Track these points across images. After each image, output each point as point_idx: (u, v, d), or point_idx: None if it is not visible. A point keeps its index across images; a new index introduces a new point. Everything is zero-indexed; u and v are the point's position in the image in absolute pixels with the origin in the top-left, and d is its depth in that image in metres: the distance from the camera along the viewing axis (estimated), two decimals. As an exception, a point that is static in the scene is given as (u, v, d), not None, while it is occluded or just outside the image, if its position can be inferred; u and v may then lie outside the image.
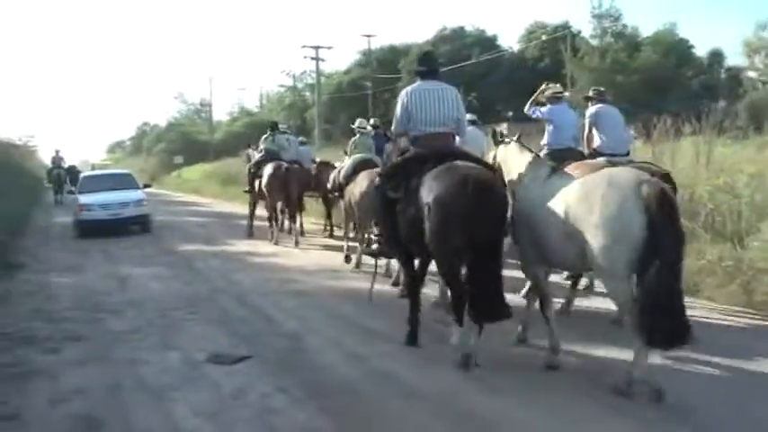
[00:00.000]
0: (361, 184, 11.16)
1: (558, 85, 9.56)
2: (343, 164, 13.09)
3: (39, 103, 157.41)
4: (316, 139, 42.72)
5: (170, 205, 30.14)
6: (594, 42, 41.95)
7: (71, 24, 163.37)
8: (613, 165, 7.27)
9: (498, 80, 46.94)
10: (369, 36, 51.71)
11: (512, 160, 7.15)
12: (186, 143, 63.69)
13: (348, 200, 11.88)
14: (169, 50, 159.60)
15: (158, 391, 6.30)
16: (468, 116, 9.00)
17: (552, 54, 45.35)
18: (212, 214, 25.12)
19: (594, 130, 8.69)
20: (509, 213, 6.53)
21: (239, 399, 6.02)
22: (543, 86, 9.34)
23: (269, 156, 16.53)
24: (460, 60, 45.55)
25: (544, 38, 46.73)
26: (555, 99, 9.11)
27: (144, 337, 8.22)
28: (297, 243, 15.46)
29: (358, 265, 12.20)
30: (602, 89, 9.38)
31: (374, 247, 9.20)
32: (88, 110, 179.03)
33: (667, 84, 38.37)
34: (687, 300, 5.86)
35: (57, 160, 35.68)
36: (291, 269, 12.61)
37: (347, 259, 12.43)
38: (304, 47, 45.63)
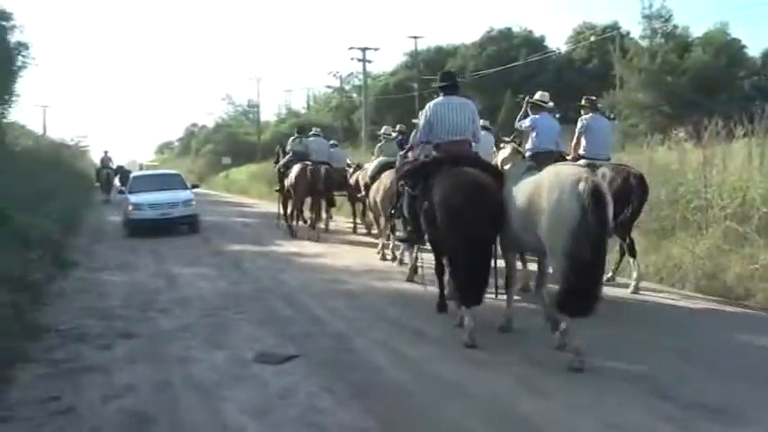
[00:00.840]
0: (384, 183, 12.61)
1: (545, 93, 10.22)
2: (369, 166, 14.70)
3: (91, 104, 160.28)
4: (362, 140, 42.78)
5: (218, 205, 30.42)
6: (644, 43, 41.25)
7: (123, 26, 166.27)
8: (594, 166, 7.96)
9: (546, 82, 46.36)
10: (416, 37, 51.08)
11: (506, 161, 8.16)
12: (234, 144, 63.92)
13: (373, 197, 13.37)
14: (217, 52, 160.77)
15: (207, 389, 6.36)
16: (480, 122, 9.48)
17: (601, 55, 44.85)
18: (259, 215, 25.23)
19: (582, 138, 9.60)
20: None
21: (286, 398, 6.05)
22: (527, 98, 10.09)
23: (296, 157, 17.94)
24: (508, 62, 45.34)
25: (593, 39, 46.23)
26: (537, 108, 9.88)
27: (193, 335, 8.31)
28: (318, 238, 16.92)
29: (384, 256, 13.62)
30: (594, 98, 10.43)
31: (402, 234, 10.11)
32: (138, 111, 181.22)
33: (718, 85, 37.57)
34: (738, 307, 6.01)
35: (105, 160, 36.90)
36: (338, 269, 12.66)
37: (383, 257, 13.28)
38: (351, 48, 45.65)
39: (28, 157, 27.97)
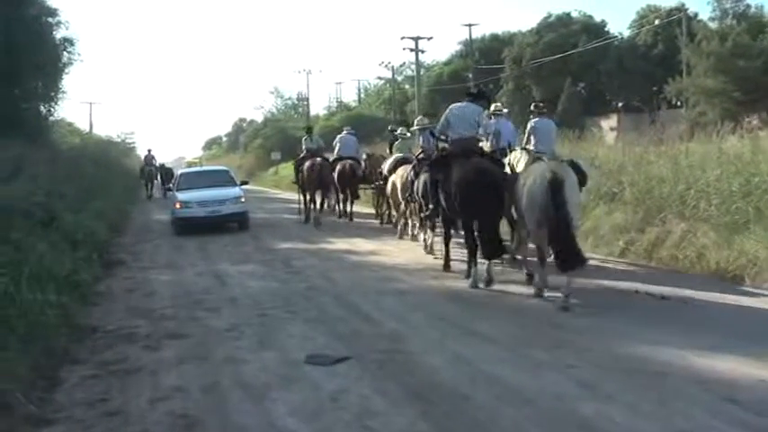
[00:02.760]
0: (402, 175, 15.43)
1: (498, 104, 14.28)
2: (387, 160, 17.99)
3: (138, 101, 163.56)
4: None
5: (267, 202, 30.72)
6: (713, 25, 40.42)
7: (170, 20, 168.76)
8: (540, 160, 10.39)
9: (608, 69, 45.99)
10: (470, 25, 50.92)
11: (517, 159, 11.08)
12: (283, 139, 63.45)
13: (391, 187, 16.48)
14: (265, 44, 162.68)
15: (256, 391, 6.40)
16: (494, 107, 13.24)
17: (666, 40, 44.11)
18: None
19: (532, 137, 11.38)
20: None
21: (338, 401, 6.06)
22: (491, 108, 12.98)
23: (309, 153, 20.95)
24: (566, 49, 44.84)
25: (657, 22, 45.48)
26: (495, 115, 12.93)
27: (241, 335, 8.39)
28: (319, 223, 19.71)
29: (401, 235, 16.10)
30: (542, 104, 12.70)
31: (425, 214, 13.10)
32: (185, 106, 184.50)
33: (795, 69, 36.63)
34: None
35: (149, 158, 38.38)
36: (391, 267, 12.65)
37: (428, 249, 13.83)
38: (403, 38, 45.66)
39: (74, 155, 28.48)
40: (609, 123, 42.14)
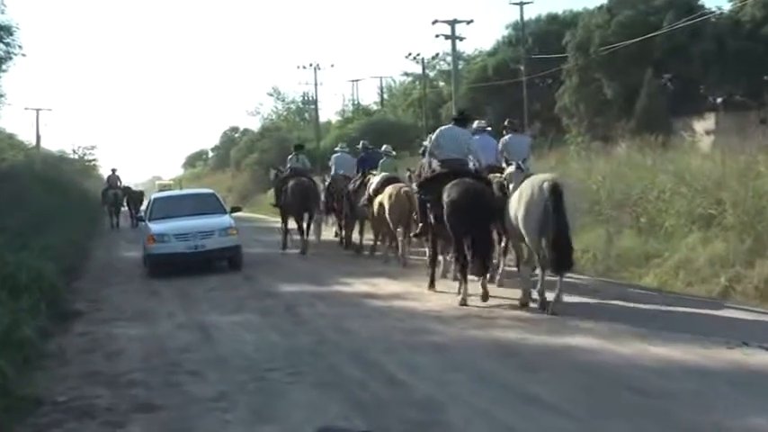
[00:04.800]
0: (391, 194, 18.29)
1: (482, 121, 18.04)
2: (373, 179, 20.40)
3: (102, 108, 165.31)
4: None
5: (265, 233, 30.65)
6: None
7: (141, 12, 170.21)
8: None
9: (702, 55, 45.58)
10: (521, 3, 50.67)
11: (510, 176, 13.52)
12: (285, 152, 62.81)
13: (377, 208, 19.14)
14: (259, 36, 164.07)
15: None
16: (477, 123, 16.94)
17: (779, 15, 43.81)
18: (321, 244, 24.82)
19: (505, 152, 14.59)
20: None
21: (357, 489, 6.07)
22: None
23: (294, 173, 23.61)
24: (647, 31, 44.49)
25: (769, -7, 45.19)
26: (479, 131, 16.44)
27: (232, 406, 8.32)
28: (304, 251, 22.32)
29: (405, 263, 18.39)
30: (516, 121, 16.51)
31: (414, 233, 16.32)
32: (161, 115, 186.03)
33: None
34: None
35: (113, 180, 38.75)
36: (423, 315, 12.69)
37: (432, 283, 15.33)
38: (436, 23, 45.42)
39: (16, 174, 28.57)
40: (704, 125, 41.70)
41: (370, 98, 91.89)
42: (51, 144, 66.18)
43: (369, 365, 9.69)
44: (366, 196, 20.46)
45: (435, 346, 10.52)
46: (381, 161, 21.29)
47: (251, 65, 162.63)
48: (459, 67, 51.37)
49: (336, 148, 26.49)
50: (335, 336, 11.63)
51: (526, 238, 12.50)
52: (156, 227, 20.15)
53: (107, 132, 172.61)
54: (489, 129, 17.70)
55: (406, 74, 70.14)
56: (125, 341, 12.17)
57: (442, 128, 14.95)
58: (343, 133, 57.02)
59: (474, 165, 14.37)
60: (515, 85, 48.86)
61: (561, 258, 11.69)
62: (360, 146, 24.17)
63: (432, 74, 64.61)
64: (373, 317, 12.93)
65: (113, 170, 40.01)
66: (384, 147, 22.08)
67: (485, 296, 13.16)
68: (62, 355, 11.26)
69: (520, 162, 13.86)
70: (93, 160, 70.33)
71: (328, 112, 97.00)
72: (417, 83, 64.45)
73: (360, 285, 16.19)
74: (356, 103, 79.45)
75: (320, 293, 15.63)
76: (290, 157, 24.69)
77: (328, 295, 15.37)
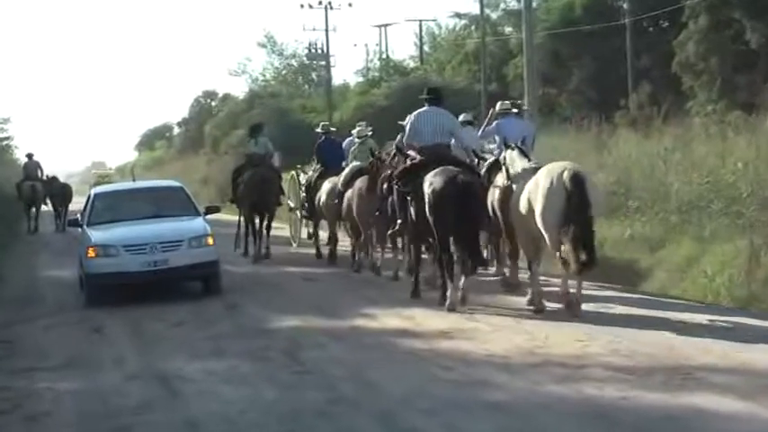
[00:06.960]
0: (360, 189, 19.48)
1: (468, 115, 20.30)
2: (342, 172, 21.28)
3: (21, 72, 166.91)
4: (527, 114, 41.17)
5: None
6: None
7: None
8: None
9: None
10: None
11: (511, 162, 15.61)
12: (284, 128, 55.81)
13: (348, 205, 20.23)
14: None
15: None
16: (464, 117, 19.30)
17: None
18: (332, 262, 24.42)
19: (496, 137, 16.94)
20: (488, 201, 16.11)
21: None
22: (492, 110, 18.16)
23: (251, 160, 24.39)
24: None
25: None
26: (503, 114, 17.83)
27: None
28: (266, 257, 24.45)
29: (358, 268, 21.29)
30: (508, 104, 18.74)
31: (391, 231, 17.71)
32: (106, 80, 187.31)
33: None
34: None
35: (30, 168, 39.27)
36: (480, 360, 12.23)
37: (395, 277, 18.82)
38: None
39: None
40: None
41: (404, 51, 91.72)
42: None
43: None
44: (336, 192, 21.70)
45: (496, 405, 10.25)
46: (353, 148, 22.26)
47: (233, 3, 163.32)
48: (534, 4, 46.01)
49: (320, 130, 26.77)
50: (355, 391, 11.22)
51: (545, 234, 13.98)
52: (97, 235, 18.62)
53: (30, 104, 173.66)
54: (515, 110, 19.20)
55: (458, 15, 65.97)
56: (52, 400, 11.59)
57: (418, 111, 16.33)
58: (366, 102, 56.21)
59: (495, 147, 16.43)
60: (615, 31, 47.66)
61: (585, 256, 13.17)
62: (320, 128, 25.94)
63: (494, 15, 62.16)
64: (409, 364, 12.50)
65: (30, 156, 40.65)
66: (357, 127, 23.22)
67: (464, 300, 15.24)
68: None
69: (518, 144, 15.58)
70: (7, 139, 70.69)
71: (345, 72, 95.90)
72: (473, 29, 63.56)
73: (389, 318, 15.53)
74: (385, 57, 75.42)
75: (334, 329, 15.04)
76: (248, 140, 26.05)
77: (345, 332, 14.77)
